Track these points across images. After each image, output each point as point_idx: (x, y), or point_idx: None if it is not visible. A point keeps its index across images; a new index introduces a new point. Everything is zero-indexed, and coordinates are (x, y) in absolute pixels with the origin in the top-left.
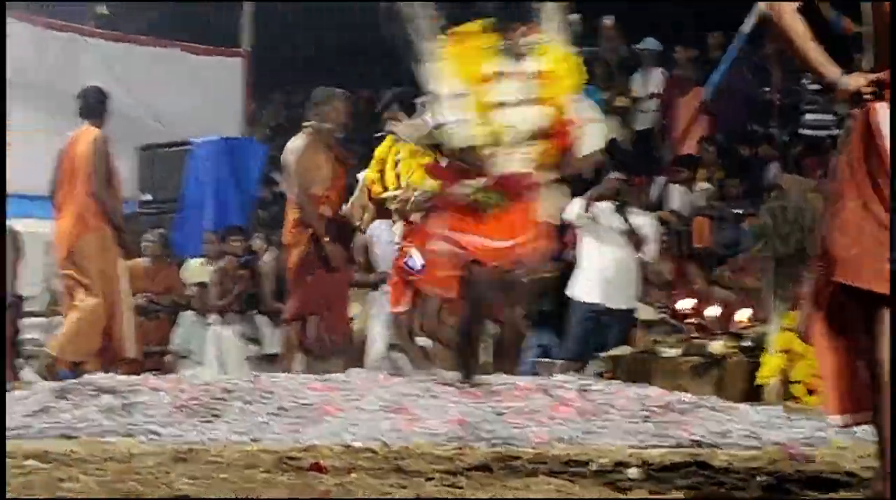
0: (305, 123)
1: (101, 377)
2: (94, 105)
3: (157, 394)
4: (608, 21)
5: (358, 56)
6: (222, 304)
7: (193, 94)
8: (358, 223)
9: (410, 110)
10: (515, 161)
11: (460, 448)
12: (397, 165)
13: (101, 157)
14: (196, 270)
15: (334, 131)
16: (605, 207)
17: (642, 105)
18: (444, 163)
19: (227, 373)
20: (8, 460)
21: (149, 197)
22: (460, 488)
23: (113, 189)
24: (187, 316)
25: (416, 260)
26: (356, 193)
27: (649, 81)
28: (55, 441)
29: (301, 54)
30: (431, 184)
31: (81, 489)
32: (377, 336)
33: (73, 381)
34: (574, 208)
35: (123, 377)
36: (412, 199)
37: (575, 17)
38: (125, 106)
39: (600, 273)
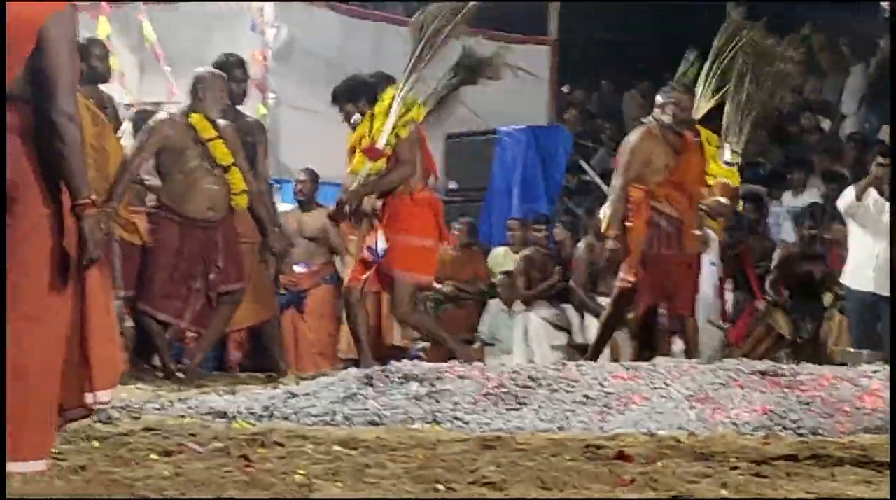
0: (644, 118)
1: (407, 365)
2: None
3: (464, 381)
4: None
5: (664, 42)
6: (530, 293)
7: (500, 82)
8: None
9: (358, 100)
10: None
11: (766, 438)
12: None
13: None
14: (502, 258)
15: (674, 124)
16: (873, 196)
17: None
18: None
19: (535, 361)
20: (316, 445)
21: (455, 185)
22: (766, 477)
23: None
24: (494, 304)
25: (380, 245)
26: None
27: None
28: (362, 428)
29: (606, 41)
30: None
31: (387, 475)
32: None
33: (379, 368)
34: (847, 198)
35: (430, 365)
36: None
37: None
38: None
39: (870, 261)
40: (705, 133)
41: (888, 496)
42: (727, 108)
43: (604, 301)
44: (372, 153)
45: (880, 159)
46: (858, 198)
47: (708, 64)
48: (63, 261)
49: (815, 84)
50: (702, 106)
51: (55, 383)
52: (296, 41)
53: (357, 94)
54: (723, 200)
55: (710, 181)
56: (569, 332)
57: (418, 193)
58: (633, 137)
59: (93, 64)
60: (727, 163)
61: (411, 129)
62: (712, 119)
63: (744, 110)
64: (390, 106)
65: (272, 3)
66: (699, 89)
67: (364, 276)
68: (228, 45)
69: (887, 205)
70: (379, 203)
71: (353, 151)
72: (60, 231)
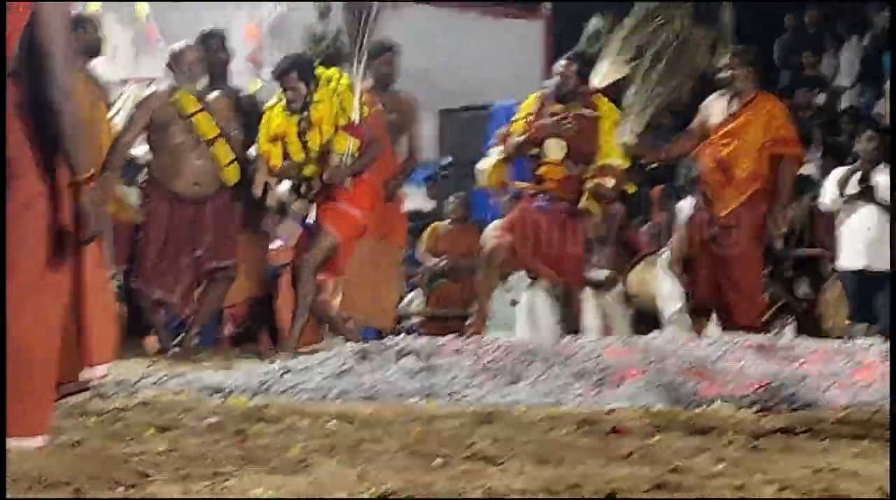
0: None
1: (402, 339)
2: None
3: (460, 356)
4: None
5: None
6: None
7: (494, 57)
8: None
9: (309, 78)
10: None
11: (762, 411)
12: (304, 134)
13: None
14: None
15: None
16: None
17: None
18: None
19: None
20: (312, 421)
21: (449, 160)
22: (763, 450)
23: None
24: None
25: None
26: (257, 166)
27: None
28: (357, 404)
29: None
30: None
31: (383, 450)
32: (667, 297)
33: (375, 343)
34: (830, 193)
35: (425, 339)
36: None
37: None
38: (427, 69)
39: (861, 235)
40: (606, 106)
41: (884, 470)
42: (633, 86)
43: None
44: (354, 131)
45: (869, 133)
46: (841, 194)
47: (625, 31)
48: (60, 237)
49: (812, 59)
50: (608, 74)
51: (54, 358)
52: (289, 16)
53: (306, 70)
54: (604, 181)
55: (599, 161)
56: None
57: (367, 174)
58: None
59: (84, 38)
60: (623, 144)
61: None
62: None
63: (651, 92)
64: (342, 85)
65: None
66: (609, 57)
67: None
68: (223, 19)
69: (878, 177)
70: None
71: (285, 134)
72: (57, 207)
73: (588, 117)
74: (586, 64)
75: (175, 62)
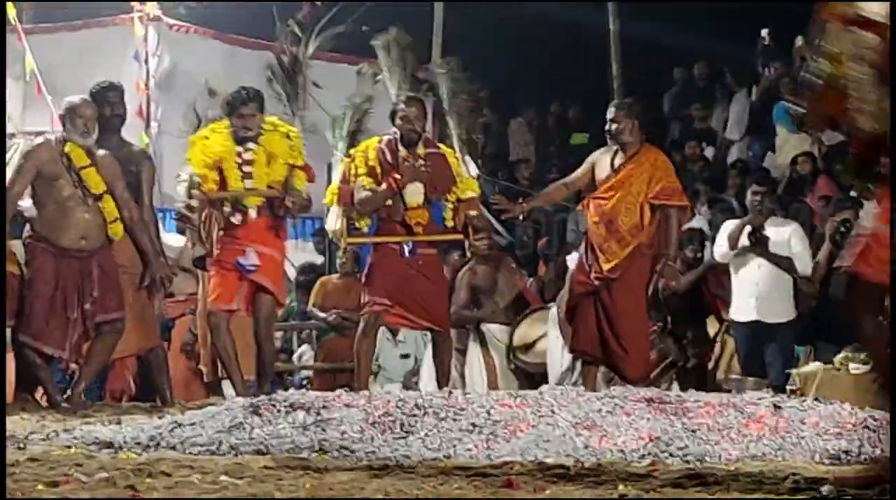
0: None
1: (293, 393)
2: None
3: (350, 410)
4: (799, 41)
5: (549, 71)
6: None
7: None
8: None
9: (263, 110)
10: None
11: (653, 465)
12: (247, 165)
13: None
14: None
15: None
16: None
17: None
18: None
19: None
20: (203, 475)
21: None
22: None
23: None
24: (378, 333)
25: (252, 259)
26: (188, 190)
27: None
28: (249, 458)
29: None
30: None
31: None
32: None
33: (266, 398)
34: (721, 248)
35: (316, 393)
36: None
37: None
38: (316, 122)
39: (751, 290)
40: (443, 144)
41: None
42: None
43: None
44: (309, 173)
45: (755, 187)
46: (733, 247)
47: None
48: None
49: (701, 112)
50: None
51: None
52: (178, 70)
53: (262, 103)
54: (473, 212)
55: (461, 194)
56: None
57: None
58: None
59: None
60: (473, 176)
61: None
62: None
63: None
64: (291, 130)
65: (155, 33)
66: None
67: (234, 296)
68: (112, 73)
69: (769, 230)
70: (237, 216)
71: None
72: None
73: (438, 155)
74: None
75: (69, 115)
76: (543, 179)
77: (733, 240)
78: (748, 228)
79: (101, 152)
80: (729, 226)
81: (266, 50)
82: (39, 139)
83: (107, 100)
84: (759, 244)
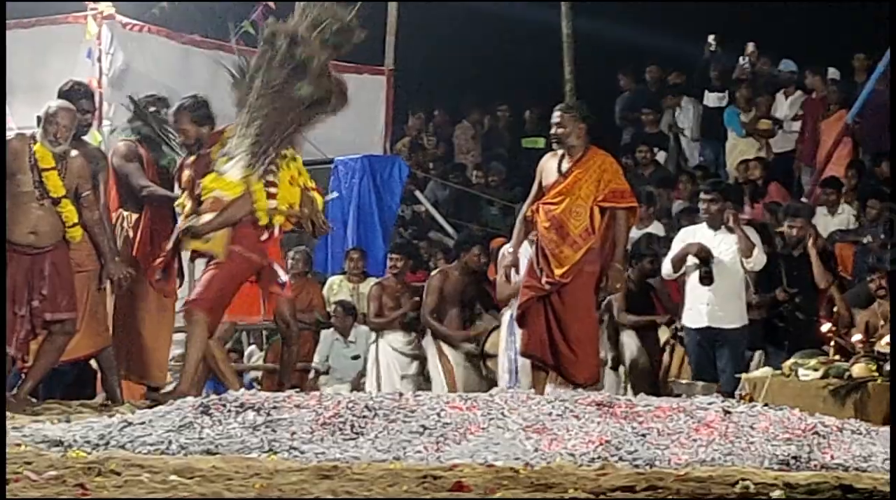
0: None
1: (244, 394)
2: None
3: (300, 411)
4: (750, 47)
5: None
6: (380, 322)
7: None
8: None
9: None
10: None
11: (602, 469)
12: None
13: None
14: (337, 287)
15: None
16: (700, 233)
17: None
18: None
19: (384, 390)
20: (153, 475)
21: None
22: None
23: None
24: (328, 334)
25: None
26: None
27: (788, 104)
28: (198, 458)
29: (444, 72)
30: None
31: None
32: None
33: (216, 397)
34: (666, 269)
35: (266, 394)
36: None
37: None
38: None
39: (703, 297)
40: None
41: None
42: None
43: None
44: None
45: (703, 195)
46: (676, 270)
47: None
48: None
49: (651, 116)
50: None
51: None
52: (131, 69)
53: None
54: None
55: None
56: (423, 361)
57: None
58: None
59: None
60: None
61: None
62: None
63: (250, 117)
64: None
65: (108, 31)
66: None
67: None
68: (64, 71)
69: (721, 237)
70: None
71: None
72: None
73: (205, 156)
74: (200, 107)
75: (45, 120)
76: (495, 182)
77: (677, 264)
78: (694, 260)
79: (73, 153)
80: (684, 232)
81: (219, 50)
82: (13, 134)
83: (80, 104)
84: (707, 279)
